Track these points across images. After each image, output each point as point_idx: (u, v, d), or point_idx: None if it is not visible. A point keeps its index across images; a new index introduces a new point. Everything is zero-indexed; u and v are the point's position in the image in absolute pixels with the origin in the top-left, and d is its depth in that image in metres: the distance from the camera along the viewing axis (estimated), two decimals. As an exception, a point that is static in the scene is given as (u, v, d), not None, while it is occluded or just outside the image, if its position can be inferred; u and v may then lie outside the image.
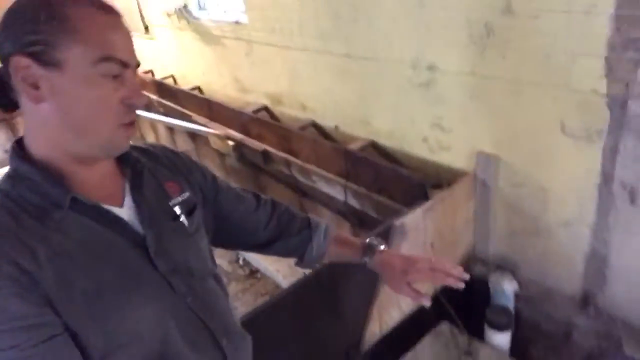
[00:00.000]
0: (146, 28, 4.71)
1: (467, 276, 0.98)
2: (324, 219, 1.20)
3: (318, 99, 3.00)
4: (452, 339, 2.07)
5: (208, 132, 3.56)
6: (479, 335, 2.11)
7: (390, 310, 2.11)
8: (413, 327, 2.16)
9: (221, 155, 3.85)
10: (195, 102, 3.92)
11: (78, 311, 0.72)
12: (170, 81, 4.54)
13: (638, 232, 1.80)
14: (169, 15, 4.21)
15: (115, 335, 0.76)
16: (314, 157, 2.80)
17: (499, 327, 2.06)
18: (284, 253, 1.15)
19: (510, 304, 2.16)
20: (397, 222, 1.96)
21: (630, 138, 1.69)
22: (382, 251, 1.10)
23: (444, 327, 2.13)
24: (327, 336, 1.95)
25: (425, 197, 2.21)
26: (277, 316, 1.64)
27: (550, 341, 2.15)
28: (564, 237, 2.04)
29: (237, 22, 3.40)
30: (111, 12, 0.77)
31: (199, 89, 4.15)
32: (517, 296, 2.19)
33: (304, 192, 3.07)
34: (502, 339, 2.06)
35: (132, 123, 0.79)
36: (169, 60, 4.62)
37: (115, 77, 0.75)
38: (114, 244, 0.79)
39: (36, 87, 0.73)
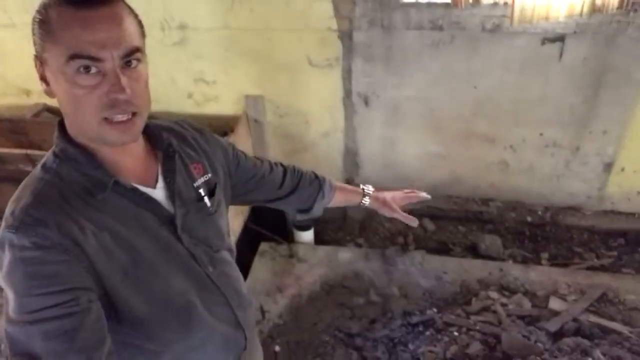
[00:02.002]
0: None
1: (427, 195, 1.34)
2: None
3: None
4: (274, 252, 2.48)
5: None
6: (291, 240, 2.58)
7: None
8: (240, 258, 2.47)
9: None
10: None
11: (118, 279, 0.81)
12: None
13: (373, 125, 2.52)
14: None
15: (150, 299, 0.87)
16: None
17: (305, 228, 2.57)
18: (298, 204, 1.26)
19: (302, 209, 2.69)
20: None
21: (359, 60, 2.31)
22: (373, 192, 1.32)
23: (264, 246, 2.51)
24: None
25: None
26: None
27: (334, 224, 2.81)
28: (325, 145, 2.64)
29: None
30: (84, 5, 0.73)
31: None
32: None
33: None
34: (309, 236, 2.59)
35: (125, 119, 0.77)
36: None
37: (95, 72, 0.74)
38: (147, 222, 0.87)
39: (47, 82, 0.79)
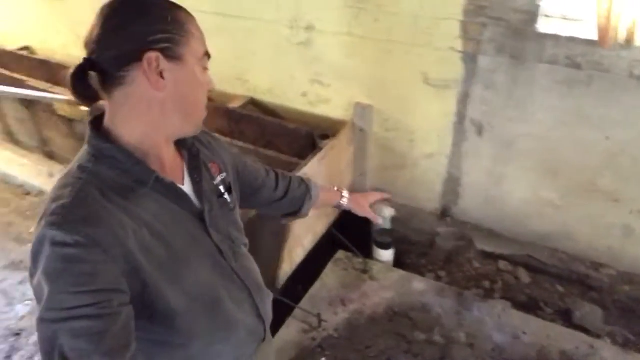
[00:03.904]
0: None
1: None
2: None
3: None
4: (349, 263, 2.44)
5: (54, 99, 3.21)
6: (369, 256, 2.52)
7: (296, 249, 2.39)
8: (315, 261, 2.48)
9: (68, 121, 3.52)
10: (27, 64, 3.45)
11: (156, 274, 0.84)
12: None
13: (482, 157, 2.35)
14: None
15: (183, 293, 0.89)
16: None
17: (385, 247, 2.49)
18: (289, 207, 1.36)
19: (389, 226, 2.60)
20: (300, 173, 2.19)
21: (479, 86, 2.17)
22: (350, 193, 1.51)
23: (341, 254, 2.49)
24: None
25: (313, 147, 2.47)
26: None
27: (419, 249, 2.68)
28: (427, 167, 2.53)
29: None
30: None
31: (27, 49, 3.64)
32: (393, 217, 2.64)
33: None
34: (387, 255, 2.51)
35: None
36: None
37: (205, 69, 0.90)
38: (180, 217, 0.92)
39: (162, 77, 0.83)
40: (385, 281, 2.29)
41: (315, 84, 2.57)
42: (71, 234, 0.74)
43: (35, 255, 0.76)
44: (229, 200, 1.05)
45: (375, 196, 1.61)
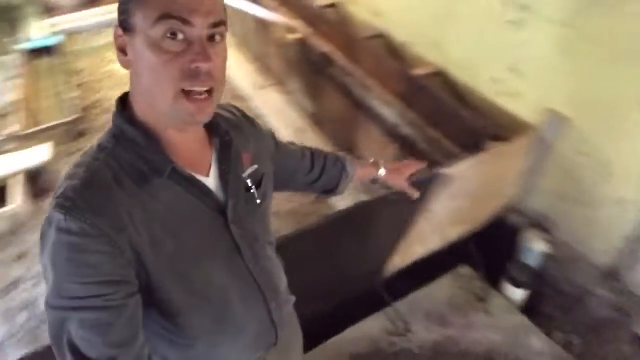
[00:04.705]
0: None
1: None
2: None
3: (394, 8, 2.80)
4: (469, 283, 2.16)
5: (273, 20, 3.42)
6: (496, 283, 2.18)
7: (416, 246, 2.18)
8: (433, 266, 2.24)
9: (282, 44, 3.74)
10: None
11: (163, 268, 0.80)
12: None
13: (691, 230, 1.76)
14: None
15: (190, 290, 0.85)
16: (375, 73, 2.69)
17: (518, 284, 2.12)
18: (326, 186, 1.30)
19: (535, 263, 2.20)
20: (445, 172, 1.92)
21: None
22: (385, 166, 1.38)
23: (464, 270, 2.21)
24: (353, 263, 2.01)
25: (480, 145, 2.15)
26: (308, 243, 1.66)
27: (564, 302, 2.23)
28: (611, 213, 2.01)
29: None
30: None
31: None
32: (545, 254, 2.22)
33: (357, 105, 3.00)
34: (516, 294, 2.14)
35: (203, 97, 0.75)
36: None
37: (181, 39, 0.72)
38: (199, 211, 0.84)
39: (125, 53, 0.78)
40: (500, 321, 1.98)
41: (511, 72, 2.18)
42: (77, 222, 0.71)
43: (44, 234, 0.75)
44: (256, 195, 0.95)
45: (411, 168, 1.43)
